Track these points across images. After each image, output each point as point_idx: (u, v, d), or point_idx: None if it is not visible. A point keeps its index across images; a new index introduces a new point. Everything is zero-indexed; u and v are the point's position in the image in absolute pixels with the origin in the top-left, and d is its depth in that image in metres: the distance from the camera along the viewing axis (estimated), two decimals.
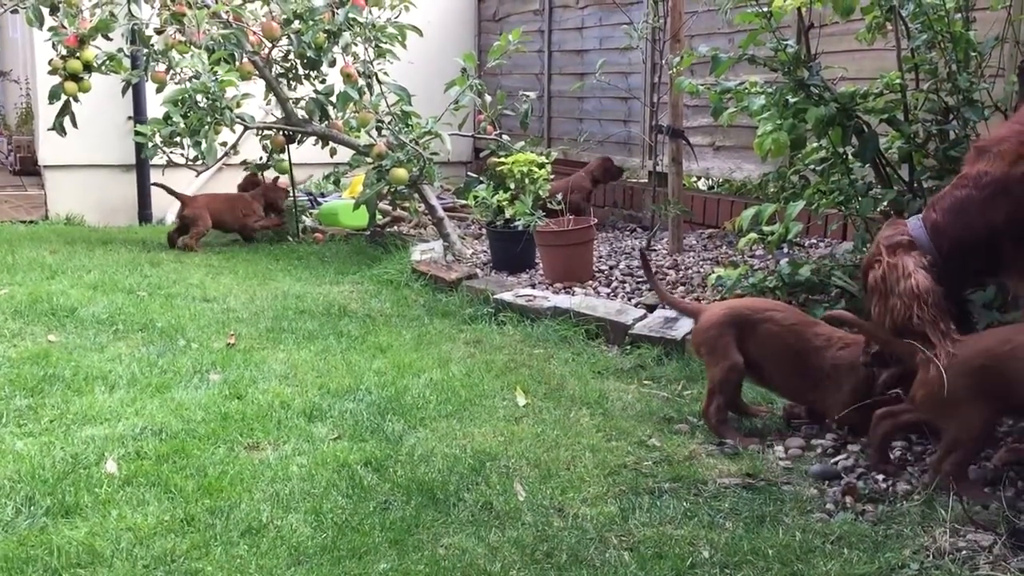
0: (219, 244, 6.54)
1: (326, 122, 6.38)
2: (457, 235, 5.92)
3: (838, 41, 4.64)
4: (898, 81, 3.74)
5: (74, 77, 5.80)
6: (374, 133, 6.05)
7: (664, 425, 3.30)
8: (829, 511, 2.66)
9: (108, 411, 3.28)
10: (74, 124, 6.06)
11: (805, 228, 4.94)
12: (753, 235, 4.10)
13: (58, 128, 6.02)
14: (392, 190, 5.96)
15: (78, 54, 5.75)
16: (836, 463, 2.94)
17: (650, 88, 6.30)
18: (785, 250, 4.77)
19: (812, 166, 4.08)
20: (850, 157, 3.88)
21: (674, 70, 4.62)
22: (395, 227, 6.78)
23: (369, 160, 5.94)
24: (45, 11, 5.78)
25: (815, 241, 5.20)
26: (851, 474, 2.87)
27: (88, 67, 5.83)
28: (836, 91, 3.81)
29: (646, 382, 3.76)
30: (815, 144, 4.02)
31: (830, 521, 2.59)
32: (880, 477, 2.83)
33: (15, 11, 5.87)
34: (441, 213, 5.95)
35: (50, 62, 5.85)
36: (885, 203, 3.75)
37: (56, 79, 5.88)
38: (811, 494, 2.76)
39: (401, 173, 5.72)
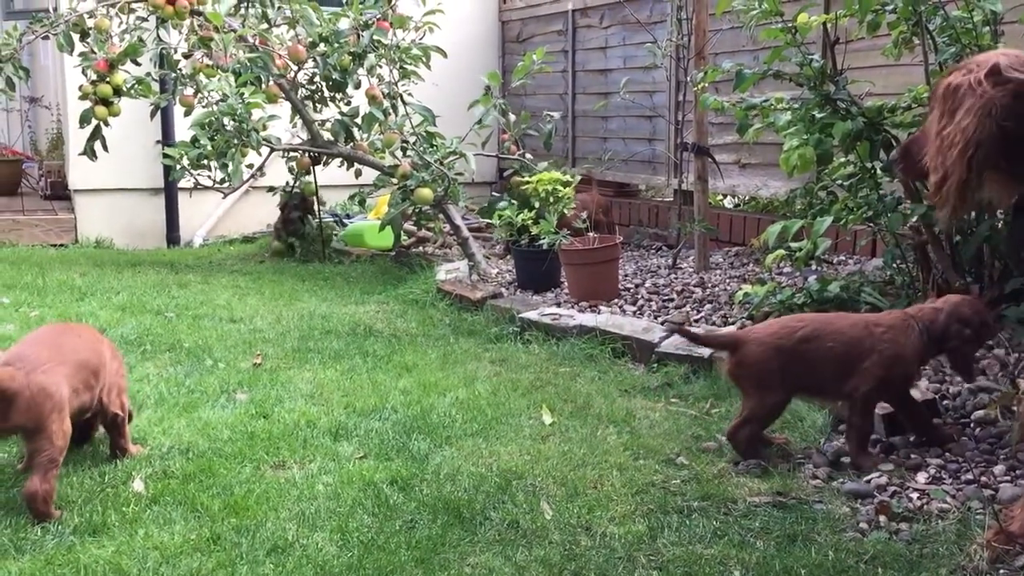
0: (246, 266, 6.58)
1: (351, 143, 6.42)
2: (482, 254, 5.93)
3: (864, 56, 4.61)
4: (926, 95, 3.70)
5: (104, 102, 5.87)
6: (399, 154, 6.09)
7: (692, 443, 3.26)
8: (862, 530, 2.61)
9: (136, 430, 3.28)
10: (105, 148, 6.14)
11: (833, 244, 4.90)
12: (780, 252, 4.06)
13: (89, 152, 6.10)
14: (417, 210, 5.98)
15: (108, 79, 5.83)
16: (868, 481, 2.89)
17: (675, 106, 6.29)
18: (813, 267, 4.72)
19: (840, 181, 4.05)
20: (878, 172, 3.85)
21: (698, 87, 4.61)
22: (420, 247, 6.80)
23: (394, 181, 5.97)
24: (75, 37, 5.86)
25: (843, 257, 5.15)
26: (884, 492, 2.82)
27: (118, 91, 5.90)
28: (863, 106, 3.78)
29: (673, 400, 3.72)
30: (842, 159, 3.99)
31: (863, 540, 2.55)
32: (915, 495, 2.78)
33: (46, 37, 5.96)
34: (466, 233, 5.96)
35: (80, 87, 5.93)
36: (915, 218, 3.70)
37: (86, 104, 5.96)
38: (843, 512, 2.71)
39: (426, 193, 5.74)
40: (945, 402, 3.36)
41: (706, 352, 3.98)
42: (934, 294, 3.74)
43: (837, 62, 4.03)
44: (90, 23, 5.84)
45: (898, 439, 3.14)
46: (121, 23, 5.97)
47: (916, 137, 2.53)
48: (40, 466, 2.62)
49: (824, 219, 3.82)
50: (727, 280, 5.14)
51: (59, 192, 8.56)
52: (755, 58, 5.44)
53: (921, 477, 2.90)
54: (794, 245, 4.01)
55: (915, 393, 3.17)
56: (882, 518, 2.65)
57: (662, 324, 4.45)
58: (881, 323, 3.03)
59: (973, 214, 3.69)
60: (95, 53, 5.82)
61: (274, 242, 6.86)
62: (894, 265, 4.12)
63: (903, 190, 3.86)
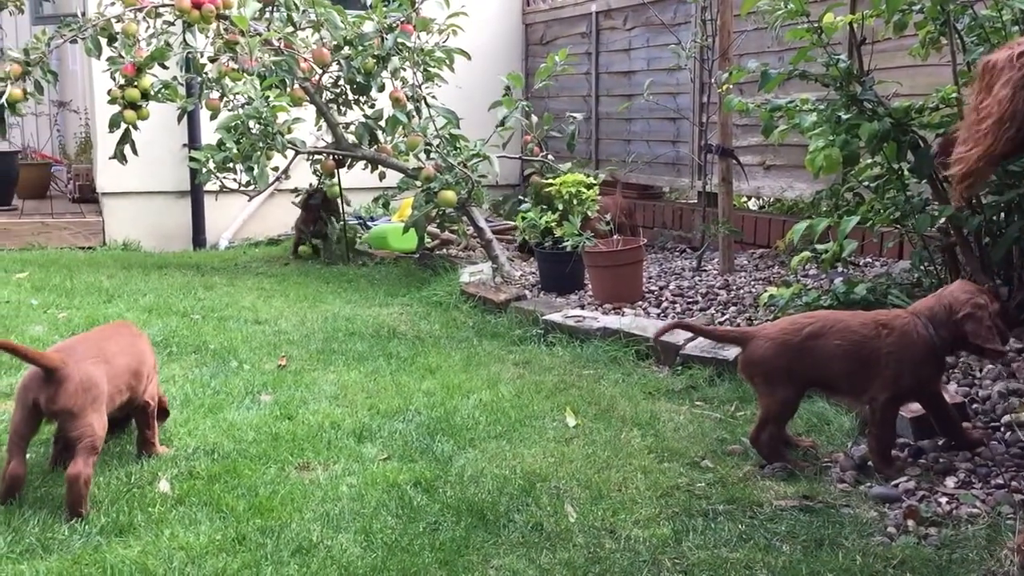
0: (271, 268, 6.62)
1: (375, 146, 6.45)
2: (505, 257, 5.93)
3: (891, 57, 4.57)
4: (954, 95, 3.66)
5: (133, 105, 5.93)
6: (423, 156, 6.10)
7: (717, 446, 3.24)
8: (890, 534, 2.58)
9: (162, 431, 3.30)
10: (134, 151, 6.19)
11: (860, 246, 4.86)
12: (806, 254, 4.03)
13: (119, 156, 6.16)
14: (440, 212, 5.99)
15: (135, 83, 5.88)
16: (896, 485, 2.86)
17: (699, 108, 6.26)
18: (839, 269, 4.68)
19: (866, 183, 4.01)
20: (906, 173, 3.81)
21: (723, 88, 4.59)
22: (444, 249, 6.80)
23: (418, 183, 5.99)
24: (103, 41, 5.92)
25: (870, 260, 5.11)
26: (912, 496, 2.79)
27: (145, 95, 5.96)
28: (890, 106, 3.74)
29: (698, 403, 3.70)
30: (869, 160, 3.95)
31: (891, 545, 2.52)
32: (943, 500, 2.75)
33: (74, 42, 6.02)
34: (489, 235, 5.96)
35: (109, 91, 5.99)
36: (943, 219, 3.66)
37: (115, 108, 6.02)
38: (871, 517, 2.68)
39: (449, 195, 5.75)
40: (975, 406, 3.32)
41: (731, 355, 3.95)
42: None
43: (864, 62, 4.00)
44: (118, 27, 5.90)
45: (927, 443, 3.11)
46: (148, 27, 6.02)
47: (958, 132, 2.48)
48: (83, 450, 2.71)
49: (850, 219, 3.77)
50: (752, 282, 5.11)
51: (87, 195, 8.65)
52: (780, 59, 5.40)
53: (950, 481, 2.87)
54: (820, 247, 3.98)
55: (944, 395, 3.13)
56: (910, 523, 2.62)
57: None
58: (888, 325, 2.97)
59: (1003, 215, 3.65)
60: (123, 57, 5.88)
61: (299, 246, 6.89)
62: (922, 267, 4.07)
63: (931, 191, 3.82)
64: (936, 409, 3.07)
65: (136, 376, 2.99)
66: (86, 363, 2.79)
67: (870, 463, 3.01)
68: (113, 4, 5.97)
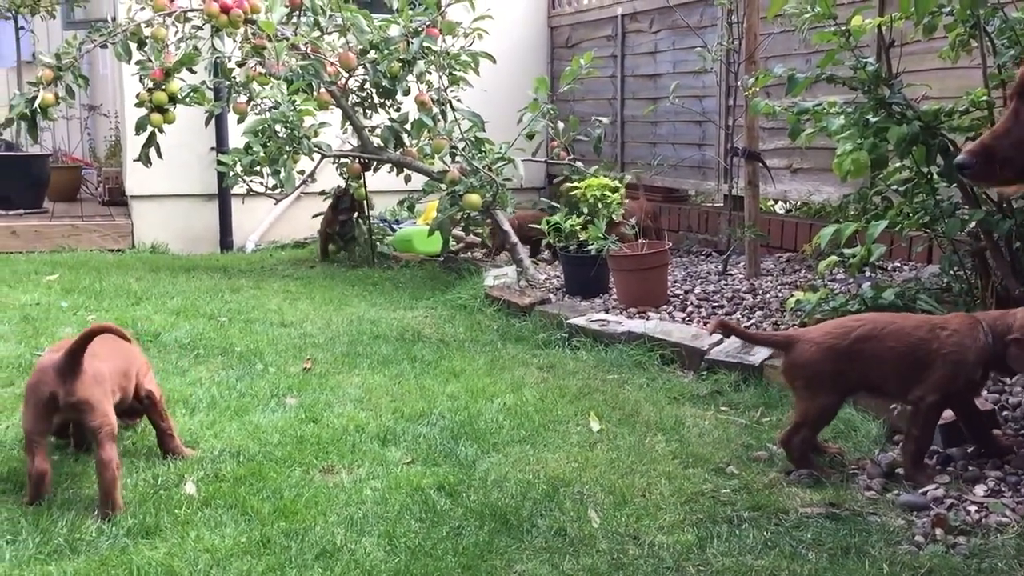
0: (297, 270, 6.65)
1: (401, 149, 6.47)
2: (530, 260, 5.92)
3: (920, 59, 4.53)
4: (984, 98, 3.62)
5: (159, 109, 5.98)
6: (448, 159, 6.11)
7: (742, 452, 3.22)
8: (918, 543, 2.55)
9: (188, 433, 3.33)
10: (159, 155, 6.24)
11: (888, 250, 4.81)
12: (833, 258, 4.00)
13: (144, 159, 6.21)
14: (465, 216, 6.00)
15: (164, 87, 5.94)
16: (924, 493, 2.83)
17: (725, 111, 6.23)
18: (867, 273, 4.64)
19: (895, 186, 3.97)
20: (935, 176, 3.77)
21: (749, 91, 4.56)
22: (468, 252, 6.81)
23: (443, 186, 6.00)
24: (133, 46, 5.98)
25: (899, 264, 5.06)
26: (940, 505, 2.76)
27: (173, 99, 6.01)
28: (919, 109, 3.70)
29: (723, 408, 3.68)
30: (898, 164, 3.91)
31: (919, 554, 2.49)
32: (972, 508, 2.71)
33: (104, 46, 6.09)
34: (514, 238, 5.96)
35: (137, 95, 6.05)
36: (973, 223, 3.62)
37: (143, 111, 6.08)
38: (898, 525, 2.65)
39: (474, 199, 5.76)
40: (1004, 413, 3.28)
41: (757, 360, 3.93)
42: (993, 301, 3.66)
43: (892, 65, 3.96)
44: (147, 32, 5.96)
45: (955, 450, 3.07)
46: (177, 32, 6.08)
47: (998, 136, 2.40)
48: (106, 438, 2.79)
49: (878, 223, 3.73)
50: (778, 286, 5.07)
51: (117, 198, 8.74)
52: (807, 61, 5.37)
53: (979, 490, 2.83)
54: (847, 251, 3.94)
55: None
56: (938, 531, 2.59)
57: (706, 327, 4.40)
58: (947, 326, 2.93)
59: None
60: (151, 62, 5.93)
61: (327, 246, 6.93)
62: (951, 272, 4.02)
63: (961, 195, 3.77)
64: (968, 416, 3.04)
65: (126, 376, 3.04)
66: (93, 358, 2.85)
67: (898, 470, 2.98)
68: (143, 9, 6.04)
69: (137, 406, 3.13)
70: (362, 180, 6.74)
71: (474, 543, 2.58)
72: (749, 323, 4.49)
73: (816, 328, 3.14)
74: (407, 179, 6.60)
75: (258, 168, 5.95)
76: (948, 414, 3.08)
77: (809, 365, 3.01)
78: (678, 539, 2.60)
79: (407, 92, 6.31)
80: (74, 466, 3.07)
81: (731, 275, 5.48)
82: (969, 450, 3.06)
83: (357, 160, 6.59)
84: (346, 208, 6.80)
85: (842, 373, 2.98)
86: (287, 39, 5.99)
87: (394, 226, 7.59)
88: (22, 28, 8.74)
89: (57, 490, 2.86)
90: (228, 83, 6.27)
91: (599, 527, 2.68)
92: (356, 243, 6.89)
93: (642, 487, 2.93)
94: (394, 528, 2.66)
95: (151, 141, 6.20)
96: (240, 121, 6.14)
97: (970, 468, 2.96)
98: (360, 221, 6.90)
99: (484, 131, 6.10)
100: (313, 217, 7.13)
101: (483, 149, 6.01)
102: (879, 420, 3.32)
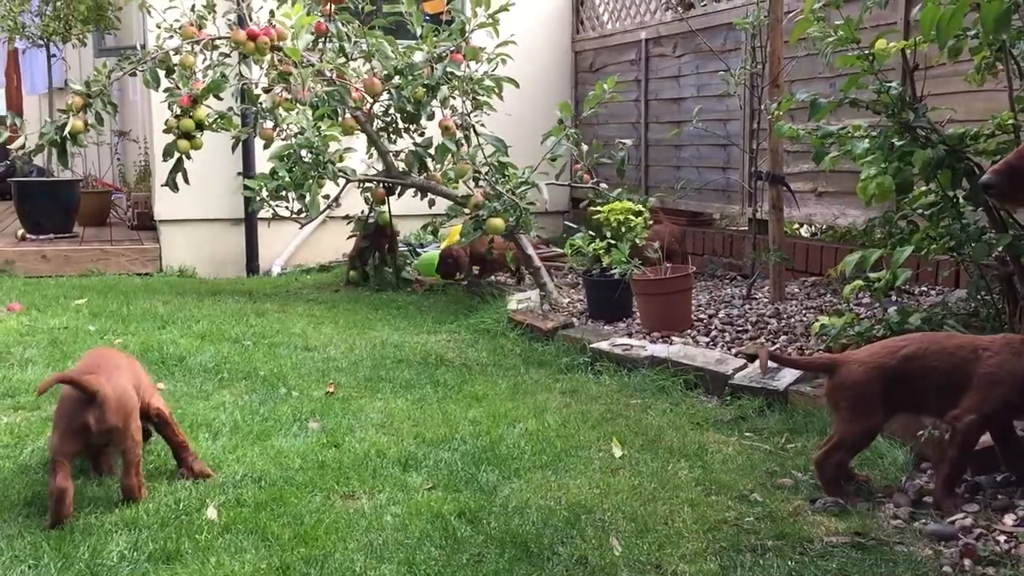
0: (321, 294, 6.68)
1: (425, 174, 6.50)
2: (553, 284, 5.92)
3: (945, 83, 4.50)
4: (1011, 122, 3.58)
5: (187, 135, 6.06)
6: (471, 184, 6.14)
7: (767, 479, 3.18)
8: (945, 574, 2.50)
9: (210, 458, 3.34)
10: (186, 180, 6.31)
11: (914, 275, 4.76)
12: (859, 282, 3.96)
13: (171, 184, 6.29)
14: (490, 240, 6.00)
15: (191, 113, 6.02)
16: (953, 522, 2.78)
17: (749, 134, 6.21)
18: (893, 298, 4.59)
19: (920, 210, 3.94)
20: (961, 200, 3.73)
21: (773, 115, 4.55)
22: (492, 276, 6.81)
23: (466, 210, 6.02)
24: (161, 73, 6.07)
25: (925, 288, 5.00)
26: (969, 535, 2.71)
27: (200, 126, 6.09)
28: (944, 133, 3.67)
29: (747, 434, 3.64)
30: (923, 188, 3.88)
31: None
32: (1002, 538, 2.66)
33: (134, 74, 6.18)
34: (537, 262, 5.96)
35: (165, 122, 6.14)
36: (1000, 248, 3.58)
37: (171, 138, 6.16)
38: (926, 555, 2.61)
39: (498, 223, 5.77)
40: None
41: (782, 385, 3.89)
42: (1022, 326, 3.60)
43: (917, 88, 3.93)
44: (176, 60, 6.05)
45: (984, 478, 3.02)
46: (205, 59, 6.16)
47: (1023, 155, 2.37)
48: (132, 463, 2.94)
49: (904, 248, 3.71)
50: (803, 311, 5.03)
51: (145, 222, 8.83)
52: (831, 85, 5.35)
53: (1009, 519, 2.78)
54: (873, 275, 3.91)
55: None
56: (967, 562, 2.54)
57: (736, 354, 4.36)
58: (991, 347, 2.91)
59: None
60: (180, 89, 6.02)
61: (350, 271, 6.97)
62: (979, 297, 3.97)
63: (987, 219, 3.73)
64: (1005, 440, 2.99)
65: (136, 390, 3.09)
66: (115, 379, 2.93)
67: (926, 498, 2.93)
68: (171, 37, 6.13)
69: (145, 424, 3.17)
70: (386, 205, 6.78)
71: (494, 571, 2.56)
72: (773, 348, 4.45)
73: (862, 350, 3.13)
74: (431, 203, 6.63)
75: (284, 193, 6.01)
76: (982, 439, 3.03)
77: (857, 385, 2.99)
78: (701, 568, 2.57)
79: (431, 117, 6.35)
80: (96, 491, 3.09)
81: (756, 299, 5.45)
82: (998, 478, 3.01)
83: (381, 185, 6.63)
84: (370, 236, 6.85)
85: (892, 391, 2.96)
86: (313, 65, 6.06)
87: (418, 250, 7.62)
88: (54, 56, 8.89)
89: (79, 514, 2.88)
90: (255, 109, 6.34)
91: (621, 555, 2.65)
92: (381, 267, 6.92)
93: (665, 514, 2.91)
94: (414, 555, 2.65)
95: (178, 167, 6.27)
96: (266, 146, 6.21)
97: (999, 496, 2.91)
98: (387, 245, 6.94)
99: (507, 155, 6.13)
100: (348, 238, 7.14)
101: (506, 173, 6.03)
102: (906, 448, 3.28)
